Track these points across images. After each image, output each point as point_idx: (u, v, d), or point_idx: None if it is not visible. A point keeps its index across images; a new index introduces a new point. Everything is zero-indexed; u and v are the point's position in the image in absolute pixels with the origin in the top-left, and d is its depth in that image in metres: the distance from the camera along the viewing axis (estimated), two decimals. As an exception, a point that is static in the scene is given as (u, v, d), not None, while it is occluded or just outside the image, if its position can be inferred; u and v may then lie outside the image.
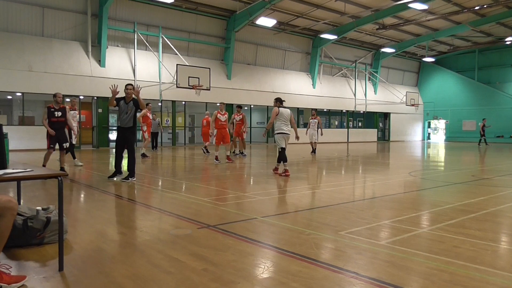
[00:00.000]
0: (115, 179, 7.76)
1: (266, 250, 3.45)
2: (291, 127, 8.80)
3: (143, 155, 13.46)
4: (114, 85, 7.60)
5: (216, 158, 11.43)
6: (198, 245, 3.51)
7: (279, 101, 8.78)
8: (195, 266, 2.99)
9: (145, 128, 14.00)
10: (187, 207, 5.37)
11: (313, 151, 15.80)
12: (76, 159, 10.83)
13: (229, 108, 24.59)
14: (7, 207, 2.51)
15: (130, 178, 7.55)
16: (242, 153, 14.56)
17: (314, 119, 15.79)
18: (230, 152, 12.86)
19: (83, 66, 19.20)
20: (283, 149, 8.58)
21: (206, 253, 3.29)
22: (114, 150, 18.45)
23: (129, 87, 7.62)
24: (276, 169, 8.94)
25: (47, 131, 8.58)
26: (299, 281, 2.70)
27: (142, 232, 4.11)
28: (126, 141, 7.64)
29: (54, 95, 8.63)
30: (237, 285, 2.64)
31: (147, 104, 13.51)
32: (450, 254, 3.25)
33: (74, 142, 10.98)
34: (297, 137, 9.05)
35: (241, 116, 13.93)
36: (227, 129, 12.03)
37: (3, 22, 17.51)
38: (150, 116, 13.78)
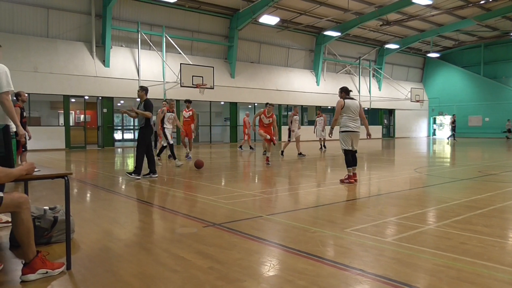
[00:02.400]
0: (152, 176, 8.00)
1: (272, 248, 3.45)
2: (361, 123, 7.24)
3: (169, 156, 12.32)
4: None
5: (267, 160, 10.51)
6: (204, 244, 3.52)
7: (344, 91, 7.18)
8: (201, 264, 3.00)
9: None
10: (192, 205, 5.39)
11: (321, 147, 17.01)
12: (176, 159, 10.44)
13: (233, 107, 24.62)
14: (20, 201, 2.70)
15: (133, 174, 7.79)
16: (250, 147, 14.44)
17: (320, 117, 17.00)
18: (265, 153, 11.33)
19: (88, 66, 19.29)
20: (347, 152, 7.15)
21: (212, 251, 3.30)
22: (120, 150, 18.52)
23: (139, 89, 7.97)
24: (348, 177, 7.15)
25: (20, 131, 7.65)
26: (305, 278, 2.70)
27: (148, 231, 4.13)
28: (138, 139, 8.02)
29: (19, 94, 7.73)
30: (243, 283, 2.64)
31: (165, 100, 12.83)
32: (457, 251, 3.23)
33: (171, 142, 10.62)
34: (368, 135, 7.46)
35: (190, 112, 12.23)
36: (271, 128, 11.01)
37: (8, 23, 17.63)
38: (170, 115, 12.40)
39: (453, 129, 26.71)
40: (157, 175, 8.07)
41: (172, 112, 10.89)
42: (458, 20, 26.91)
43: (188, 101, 12.38)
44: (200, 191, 6.67)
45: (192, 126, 12.14)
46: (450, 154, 15.73)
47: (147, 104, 7.74)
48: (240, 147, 17.04)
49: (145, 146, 7.84)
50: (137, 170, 7.74)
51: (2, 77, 3.77)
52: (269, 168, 9.87)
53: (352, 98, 7.21)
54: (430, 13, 24.44)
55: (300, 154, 13.18)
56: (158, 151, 11.32)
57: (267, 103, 11.26)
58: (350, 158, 7.14)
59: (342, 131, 7.14)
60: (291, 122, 13.57)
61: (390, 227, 4.12)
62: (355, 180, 7.09)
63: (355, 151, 7.22)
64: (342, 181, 7.17)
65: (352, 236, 3.71)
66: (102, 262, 3.10)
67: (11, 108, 3.87)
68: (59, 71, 18.38)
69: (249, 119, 17.54)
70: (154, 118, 13.38)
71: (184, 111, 12.30)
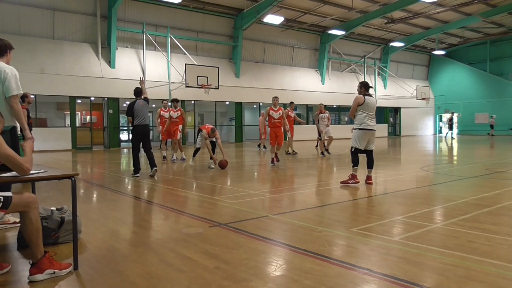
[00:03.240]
0: (154, 172, 8.17)
1: (278, 247, 3.44)
2: None
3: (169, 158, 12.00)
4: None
5: (272, 161, 10.21)
6: (210, 244, 3.52)
7: (364, 87, 6.74)
8: (207, 264, 3.00)
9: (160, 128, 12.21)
10: (198, 205, 5.40)
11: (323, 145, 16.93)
12: (193, 159, 10.19)
13: (238, 106, 24.62)
14: (29, 201, 2.74)
15: (132, 174, 8.43)
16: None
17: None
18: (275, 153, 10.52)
19: (94, 68, 19.40)
20: (357, 151, 6.76)
21: (218, 251, 3.30)
22: (126, 150, 18.61)
23: None
24: (352, 177, 6.78)
25: (27, 135, 7.68)
26: (312, 278, 2.69)
27: (154, 231, 4.14)
28: None
29: (26, 96, 7.59)
30: (249, 283, 2.64)
31: (164, 100, 12.58)
32: (465, 249, 3.21)
33: (198, 146, 10.23)
34: None
35: (179, 112, 11.63)
36: (281, 127, 10.50)
37: (15, 25, 17.79)
38: (166, 115, 11.78)
39: (450, 127, 26.66)
40: (155, 168, 8.10)
41: (213, 137, 10.05)
42: (463, 17, 26.69)
43: (175, 101, 11.76)
44: (206, 191, 6.68)
45: (180, 126, 11.63)
46: (457, 152, 15.61)
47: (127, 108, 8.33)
48: (264, 147, 16.92)
49: (135, 146, 8.37)
50: (134, 169, 8.35)
51: (11, 80, 3.77)
52: (274, 168, 9.86)
53: (371, 95, 6.80)
54: (435, 10, 24.27)
55: (326, 150, 13.17)
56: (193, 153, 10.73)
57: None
58: (358, 157, 6.79)
59: (360, 129, 6.64)
60: (318, 121, 13.49)
61: (397, 226, 4.10)
62: (370, 183, 6.69)
63: (371, 151, 6.82)
64: (346, 182, 6.89)
65: (358, 236, 3.69)
66: (109, 262, 3.11)
67: (19, 112, 3.88)
68: (65, 72, 18.51)
69: (263, 118, 17.58)
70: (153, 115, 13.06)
71: (171, 111, 11.68)
